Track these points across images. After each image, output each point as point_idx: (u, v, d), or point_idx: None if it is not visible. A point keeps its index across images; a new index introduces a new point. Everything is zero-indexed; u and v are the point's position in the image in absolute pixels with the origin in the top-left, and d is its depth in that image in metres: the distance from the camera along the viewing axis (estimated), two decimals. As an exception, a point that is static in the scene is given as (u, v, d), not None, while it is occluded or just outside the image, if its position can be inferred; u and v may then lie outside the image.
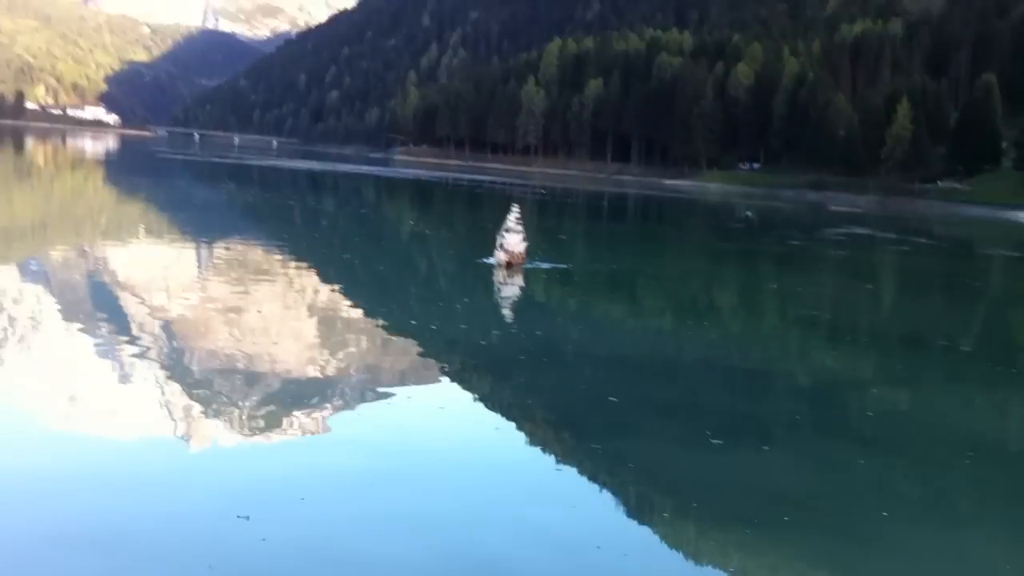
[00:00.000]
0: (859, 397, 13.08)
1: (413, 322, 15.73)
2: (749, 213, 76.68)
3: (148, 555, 6.24)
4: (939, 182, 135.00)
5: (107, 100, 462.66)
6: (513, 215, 21.96)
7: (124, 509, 6.98)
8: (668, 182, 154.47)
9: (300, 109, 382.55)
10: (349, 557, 6.42)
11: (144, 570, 6.04)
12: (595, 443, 9.70)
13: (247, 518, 6.89)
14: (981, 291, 31.14)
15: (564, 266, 24.86)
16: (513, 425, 10.38)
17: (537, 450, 9.69)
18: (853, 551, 7.23)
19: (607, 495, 8.34)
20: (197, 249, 25.21)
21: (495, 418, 10.61)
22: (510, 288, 20.03)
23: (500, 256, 21.85)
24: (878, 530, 7.70)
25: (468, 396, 11.61)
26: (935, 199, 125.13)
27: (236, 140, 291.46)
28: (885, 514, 8.10)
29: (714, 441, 9.93)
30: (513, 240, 21.70)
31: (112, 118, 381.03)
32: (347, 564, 6.31)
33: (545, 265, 23.24)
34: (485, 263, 22.22)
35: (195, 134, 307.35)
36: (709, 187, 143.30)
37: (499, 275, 20.94)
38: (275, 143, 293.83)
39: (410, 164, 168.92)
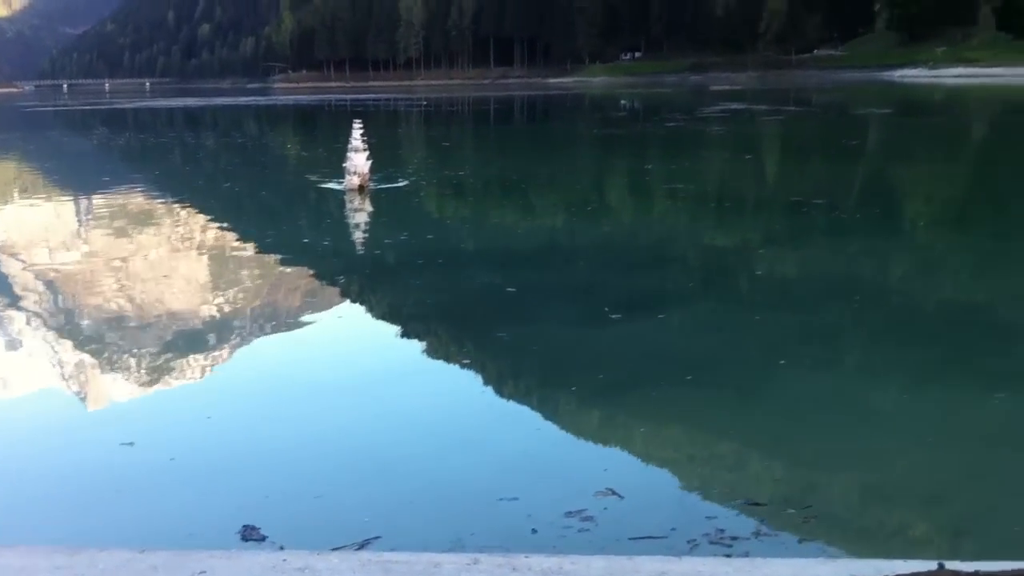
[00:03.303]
0: (746, 261, 13.62)
1: (303, 244, 15.79)
2: (624, 102, 77.28)
3: (49, 485, 6.35)
4: (816, 51, 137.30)
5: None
6: (356, 131, 20.05)
7: (19, 455, 7.02)
8: (552, 80, 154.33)
9: (171, 47, 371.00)
10: (257, 468, 6.58)
11: (46, 498, 6.14)
12: (501, 331, 9.96)
13: (131, 444, 6.99)
14: (854, 150, 32.17)
15: (430, 179, 24.78)
16: (413, 327, 10.52)
17: (442, 344, 9.90)
18: (754, 401, 7.62)
19: (515, 376, 8.65)
20: (75, 201, 24.70)
21: (396, 323, 10.75)
22: (371, 209, 19.11)
23: (352, 180, 20.17)
24: (775, 379, 8.13)
25: (365, 308, 11.77)
26: (813, 68, 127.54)
27: (107, 86, 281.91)
28: (781, 363, 8.55)
29: (612, 316, 10.27)
30: (360, 160, 20.14)
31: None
32: (255, 475, 6.43)
33: (407, 182, 22.81)
34: (332, 188, 21.28)
35: (64, 85, 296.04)
36: (593, 81, 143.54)
37: (354, 200, 19.67)
38: (148, 84, 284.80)
39: (290, 91, 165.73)
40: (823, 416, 7.33)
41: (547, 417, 7.57)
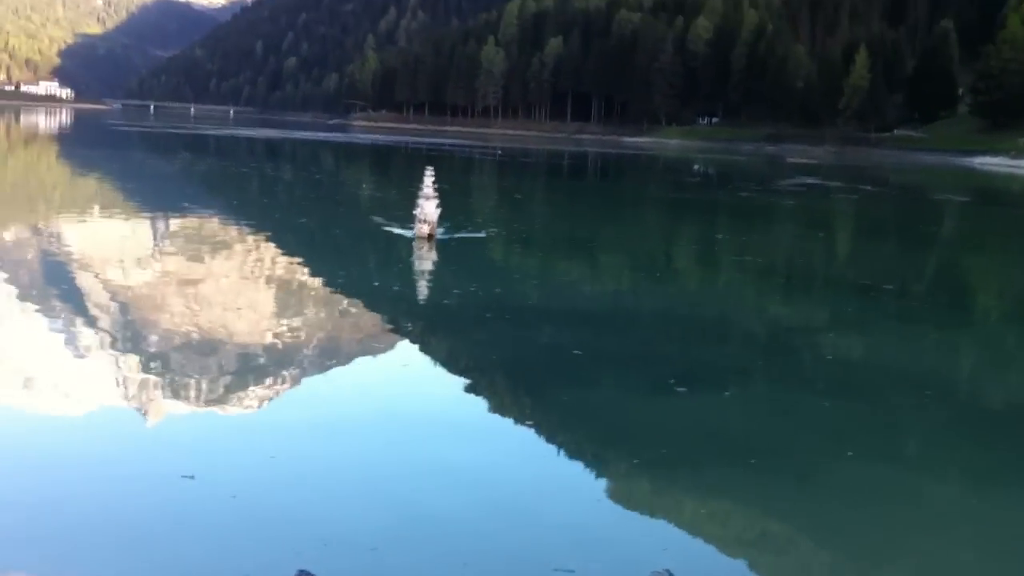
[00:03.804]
0: (811, 342, 13.42)
1: (370, 288, 15.90)
2: (697, 167, 77.17)
3: (108, 518, 6.32)
4: (895, 130, 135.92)
5: (61, 74, 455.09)
6: (428, 179, 19.72)
7: (81, 479, 7.01)
8: (627, 139, 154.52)
9: (257, 77, 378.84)
10: (316, 513, 6.56)
11: (104, 532, 6.13)
12: (564, 395, 9.88)
13: (192, 477, 7.01)
14: (931, 236, 31.76)
15: (499, 231, 24.72)
16: (478, 380, 10.52)
17: (506, 404, 9.88)
18: (814, 492, 7.50)
19: (577, 444, 8.55)
20: (152, 221, 25.20)
21: (460, 374, 10.76)
22: (436, 259, 18.88)
23: (421, 228, 19.66)
24: (836, 468, 7.97)
25: (430, 356, 11.70)
26: (891, 148, 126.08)
27: (192, 110, 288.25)
28: (850, 454, 8.36)
29: (678, 389, 10.20)
30: (430, 208, 19.64)
31: (66, 92, 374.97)
32: (314, 520, 6.42)
33: (478, 234, 22.63)
34: (401, 235, 20.83)
35: (150, 106, 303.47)
36: (668, 143, 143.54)
37: (421, 248, 19.33)
38: (232, 112, 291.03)
39: (368, 129, 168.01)
40: (882, 508, 7.20)
41: (606, 488, 7.51)
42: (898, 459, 8.46)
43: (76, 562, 5.72)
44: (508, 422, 9.16)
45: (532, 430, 8.82)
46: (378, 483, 7.28)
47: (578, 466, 8.06)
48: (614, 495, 7.37)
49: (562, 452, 8.37)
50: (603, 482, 7.66)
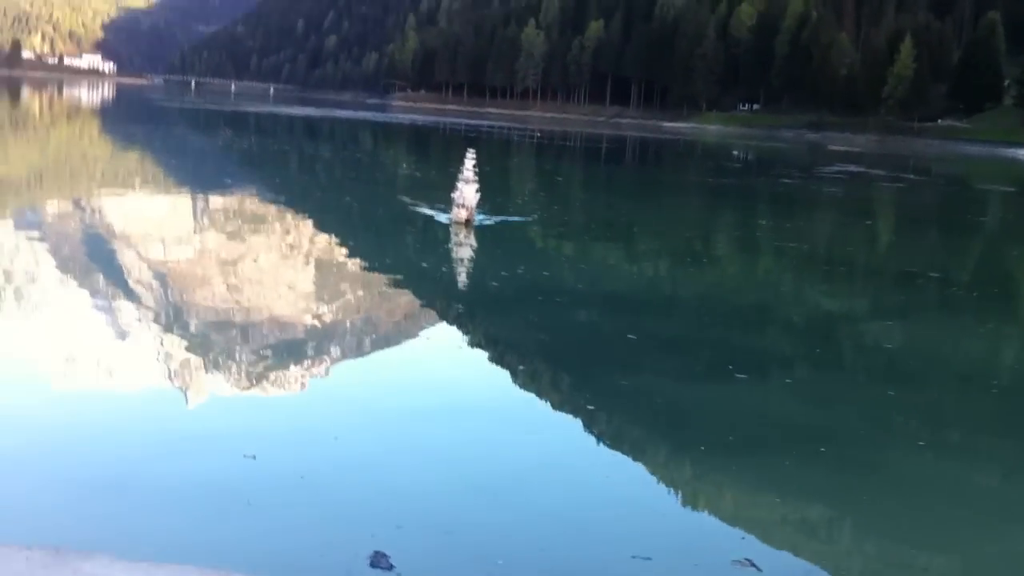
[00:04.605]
0: (866, 330, 13.33)
1: (409, 272, 15.75)
2: (737, 153, 76.67)
3: (158, 495, 6.29)
4: (939, 120, 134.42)
5: (104, 48, 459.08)
6: (469, 161, 19.31)
7: (128, 456, 7.00)
8: (667, 124, 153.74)
9: (298, 55, 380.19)
10: (387, 496, 6.54)
11: (155, 509, 6.10)
12: (624, 380, 9.76)
13: (253, 457, 6.99)
14: (976, 225, 31.33)
15: (540, 215, 24.40)
16: (524, 365, 10.45)
17: (568, 388, 9.80)
18: (880, 482, 7.41)
19: (644, 430, 8.52)
20: (193, 199, 25.27)
21: (517, 358, 10.68)
22: (475, 244, 18.45)
23: (459, 213, 19.30)
24: (901, 461, 7.89)
25: (471, 340, 11.57)
26: (935, 137, 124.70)
27: (233, 87, 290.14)
28: (921, 445, 8.34)
29: (738, 376, 10.13)
30: (469, 192, 19.23)
31: (109, 66, 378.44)
32: (386, 502, 6.41)
33: (518, 218, 22.22)
34: (439, 220, 20.42)
35: (192, 82, 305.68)
36: (708, 129, 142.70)
37: (459, 233, 18.92)
38: (272, 90, 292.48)
39: (407, 109, 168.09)
40: (945, 499, 7.14)
41: (677, 475, 7.49)
42: (940, 446, 8.39)
43: (151, 540, 5.66)
44: (574, 407, 9.03)
45: (599, 415, 8.75)
46: (447, 466, 7.22)
47: (647, 452, 8.01)
48: (686, 482, 7.35)
49: (631, 438, 8.33)
50: (674, 469, 7.63)
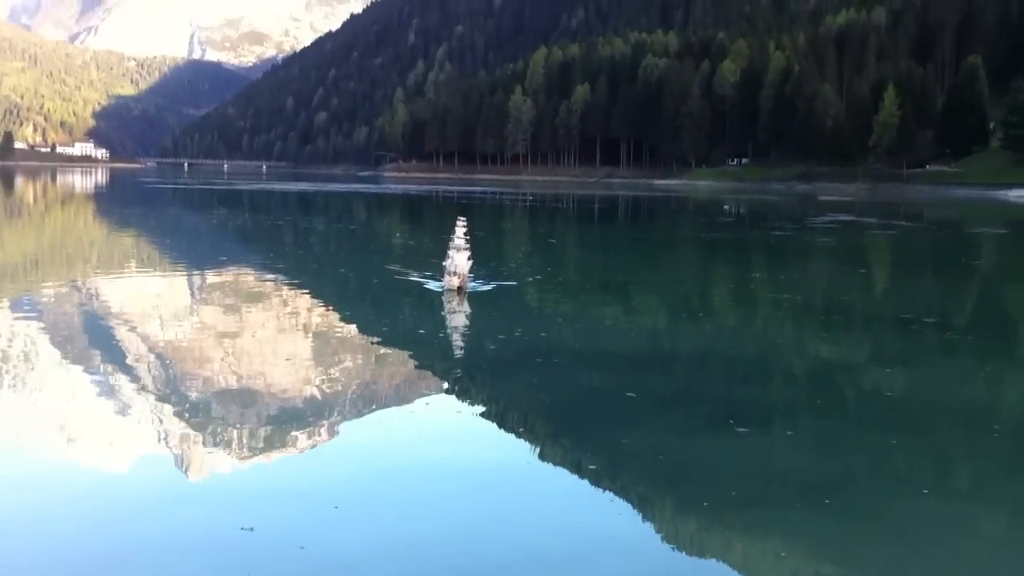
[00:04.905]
0: (864, 379, 13.32)
1: (404, 341, 15.72)
2: (728, 207, 77.17)
3: (158, 568, 6.28)
4: (928, 166, 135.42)
5: (96, 135, 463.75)
6: (460, 229, 19.25)
7: (125, 532, 6.98)
8: (658, 182, 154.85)
9: (289, 133, 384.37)
10: (392, 566, 6.49)
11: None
12: (624, 437, 9.75)
13: (251, 529, 6.95)
14: (970, 269, 31.39)
15: (534, 277, 24.33)
16: (527, 427, 10.41)
17: (568, 448, 9.71)
18: (881, 530, 7.34)
19: (645, 486, 8.47)
20: (189, 276, 25.35)
21: (515, 420, 10.62)
22: (469, 311, 18.24)
23: (452, 281, 19.16)
24: (901, 508, 7.85)
25: (471, 404, 11.53)
26: (924, 183, 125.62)
27: (226, 167, 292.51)
28: (926, 492, 8.30)
29: (739, 429, 10.10)
30: (461, 260, 19.14)
31: (101, 152, 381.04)
32: (371, 567, 6.39)
33: (512, 282, 22.00)
34: (431, 289, 20.14)
35: (184, 163, 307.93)
36: (699, 185, 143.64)
37: (452, 301, 18.74)
38: (264, 167, 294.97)
39: (400, 180, 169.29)
40: (950, 545, 7.13)
41: (683, 531, 7.47)
42: (945, 492, 8.37)
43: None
44: (576, 466, 8.98)
45: (601, 473, 8.70)
46: (451, 532, 7.16)
47: (651, 508, 7.97)
48: (691, 537, 7.34)
49: (634, 494, 8.25)
50: (680, 524, 7.62)
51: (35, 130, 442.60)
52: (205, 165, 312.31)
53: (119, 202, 75.57)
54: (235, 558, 6.45)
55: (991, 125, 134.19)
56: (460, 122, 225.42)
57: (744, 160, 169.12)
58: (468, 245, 19.44)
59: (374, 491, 8.15)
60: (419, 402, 11.67)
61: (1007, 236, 50.94)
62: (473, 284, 19.96)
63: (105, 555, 6.40)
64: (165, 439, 9.93)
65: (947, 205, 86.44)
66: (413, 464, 8.99)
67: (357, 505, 7.77)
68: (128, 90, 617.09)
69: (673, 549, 7.00)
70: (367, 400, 12.14)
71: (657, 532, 7.39)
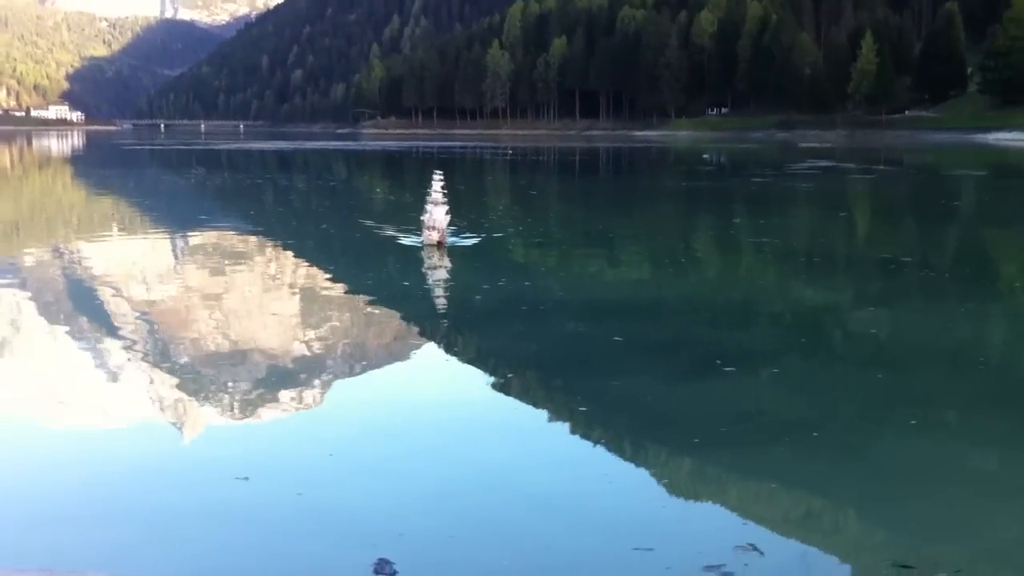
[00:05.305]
0: (847, 319, 13.55)
1: (391, 293, 15.75)
2: (708, 156, 77.25)
3: (153, 519, 6.36)
4: (907, 112, 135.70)
5: (70, 98, 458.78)
6: (437, 183, 19.15)
7: (122, 484, 7.08)
8: (638, 133, 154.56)
9: (265, 91, 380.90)
10: (386, 507, 6.59)
11: (150, 531, 6.15)
12: (614, 380, 9.78)
13: (246, 479, 7.04)
14: (949, 210, 31.63)
15: (516, 229, 24.45)
16: (516, 374, 10.46)
17: (556, 394, 9.81)
18: (872, 466, 7.47)
19: (636, 429, 8.52)
20: (171, 237, 25.26)
21: (504, 368, 10.64)
22: (450, 265, 18.04)
23: (431, 235, 19.11)
24: (887, 445, 7.96)
25: (458, 355, 11.61)
26: (903, 129, 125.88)
27: (203, 127, 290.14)
28: (913, 424, 8.41)
29: (726, 369, 10.22)
30: (439, 213, 19.06)
31: (76, 115, 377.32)
32: (386, 514, 6.46)
33: (493, 234, 21.94)
34: (410, 245, 20.07)
35: (161, 124, 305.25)
36: (678, 135, 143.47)
37: (432, 256, 18.64)
38: (242, 127, 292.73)
39: (378, 137, 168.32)
40: (936, 482, 7.20)
41: (674, 470, 7.60)
42: (941, 430, 8.44)
43: (146, 561, 5.72)
44: (566, 410, 9.08)
45: (592, 416, 8.80)
46: (445, 473, 7.26)
47: (642, 449, 8.07)
48: (682, 475, 7.47)
49: (625, 436, 8.36)
50: (670, 463, 7.74)
51: (8, 94, 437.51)
52: (182, 126, 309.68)
53: (97, 164, 74.94)
54: (231, 507, 6.54)
55: (969, 70, 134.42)
56: (437, 77, 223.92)
57: (724, 110, 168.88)
58: (446, 199, 19.41)
59: (368, 439, 8.24)
60: (406, 354, 11.78)
61: (985, 178, 51.26)
62: (453, 238, 19.95)
63: (103, 515, 6.46)
64: (159, 399, 9.98)
65: (926, 150, 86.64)
66: (404, 412, 9.10)
67: (352, 452, 7.86)
68: (101, 51, 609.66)
69: (666, 486, 7.10)
70: (355, 355, 12.22)
71: (647, 469, 7.49)
